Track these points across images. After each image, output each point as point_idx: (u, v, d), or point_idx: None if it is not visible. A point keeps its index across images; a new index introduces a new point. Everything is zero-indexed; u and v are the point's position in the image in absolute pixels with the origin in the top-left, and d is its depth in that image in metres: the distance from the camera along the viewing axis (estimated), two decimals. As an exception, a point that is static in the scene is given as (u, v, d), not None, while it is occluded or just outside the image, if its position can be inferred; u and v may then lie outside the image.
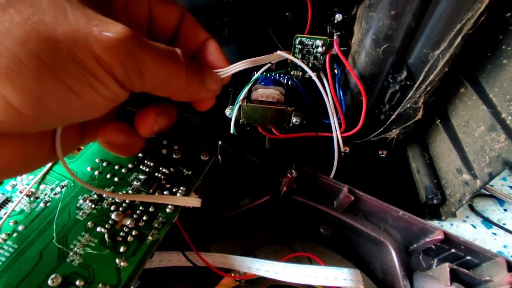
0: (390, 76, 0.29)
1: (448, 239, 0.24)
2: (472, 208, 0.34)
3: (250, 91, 0.32)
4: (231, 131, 0.32)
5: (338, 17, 0.28)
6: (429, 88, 0.28)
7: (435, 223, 0.33)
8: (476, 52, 0.28)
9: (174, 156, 0.23)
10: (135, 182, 0.21)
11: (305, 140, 0.35)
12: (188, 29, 0.17)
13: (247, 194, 0.26)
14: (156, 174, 0.22)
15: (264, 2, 0.28)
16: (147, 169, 0.22)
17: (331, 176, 0.32)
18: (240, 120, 0.33)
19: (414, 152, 0.37)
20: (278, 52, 0.24)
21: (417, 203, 0.34)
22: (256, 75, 0.31)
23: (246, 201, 0.26)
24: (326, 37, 0.27)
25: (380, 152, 0.37)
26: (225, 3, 0.24)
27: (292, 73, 0.31)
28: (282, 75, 0.33)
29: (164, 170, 0.22)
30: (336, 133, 0.31)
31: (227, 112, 0.33)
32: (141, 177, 0.22)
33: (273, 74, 0.33)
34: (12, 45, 0.10)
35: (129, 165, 0.22)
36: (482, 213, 0.34)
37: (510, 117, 0.25)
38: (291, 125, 0.33)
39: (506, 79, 0.26)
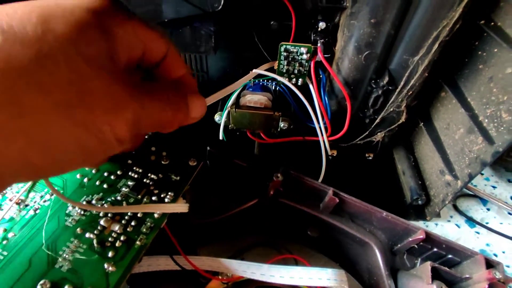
0: (373, 81, 0.29)
1: (430, 239, 0.25)
2: (456, 208, 0.35)
3: (238, 97, 0.33)
4: (220, 137, 0.33)
5: (322, 25, 0.29)
6: (411, 92, 0.29)
7: (420, 223, 0.34)
8: (454, 57, 0.30)
9: (162, 162, 0.24)
10: (124, 189, 0.22)
11: (294, 144, 0.36)
12: (171, 61, 0.17)
13: (235, 198, 0.27)
14: (144, 180, 0.23)
15: (249, 11, 0.29)
16: (135, 176, 0.23)
17: (320, 179, 0.33)
18: (229, 126, 0.33)
19: (400, 155, 0.38)
20: (254, 70, 0.25)
21: (403, 204, 0.35)
22: (243, 79, 0.32)
23: (234, 205, 0.26)
24: (310, 45, 0.28)
25: (367, 155, 0.38)
26: (211, 13, 0.24)
27: (278, 79, 0.32)
28: (270, 81, 0.34)
29: (152, 176, 0.23)
30: (323, 138, 0.32)
31: (216, 117, 0.33)
32: (130, 183, 0.22)
33: (261, 80, 0.34)
34: None
35: (118, 172, 0.23)
36: (466, 213, 0.35)
37: (486, 120, 0.26)
38: (279, 130, 0.33)
39: (483, 83, 0.27)
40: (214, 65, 0.35)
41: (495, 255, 0.32)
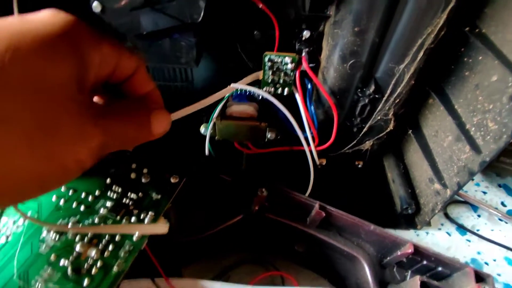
0: (359, 90, 0.29)
1: (419, 252, 0.24)
2: (447, 215, 0.35)
3: (224, 107, 0.32)
4: (206, 151, 0.32)
5: (306, 34, 0.28)
6: (398, 100, 0.29)
7: (411, 232, 0.33)
8: (441, 64, 0.29)
9: (143, 180, 0.23)
10: (102, 210, 0.21)
11: (283, 153, 0.35)
12: (139, 78, 0.17)
13: (220, 214, 0.26)
14: (124, 200, 0.22)
15: (231, 21, 0.28)
16: (114, 196, 0.22)
17: (309, 190, 0.32)
18: (216, 137, 0.33)
19: (390, 162, 0.37)
20: (232, 85, 0.25)
21: (393, 212, 0.35)
22: (219, 94, 0.31)
23: (219, 221, 0.26)
24: (294, 54, 0.28)
25: (356, 163, 0.37)
26: (191, 24, 0.24)
27: (264, 89, 0.31)
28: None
29: (132, 195, 0.22)
30: (310, 148, 0.31)
31: (202, 129, 0.32)
32: (109, 204, 0.21)
33: (246, 90, 0.33)
34: None
35: (96, 192, 0.22)
36: (457, 220, 0.35)
37: (473, 128, 0.26)
38: (266, 140, 0.33)
39: (469, 90, 0.27)
40: (198, 75, 0.34)
41: (486, 264, 0.31)
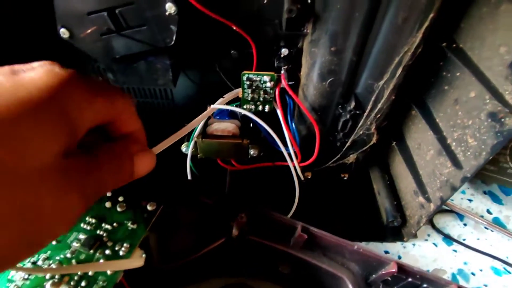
0: (340, 106, 0.29)
1: (403, 270, 0.24)
2: (433, 225, 0.35)
3: (205, 125, 0.32)
4: (188, 168, 0.32)
5: (284, 51, 0.28)
6: (379, 115, 0.29)
7: (397, 244, 0.33)
8: (422, 78, 0.29)
9: (118, 209, 0.22)
10: (74, 244, 0.20)
11: (268, 169, 0.35)
12: (126, 118, 0.16)
13: (202, 238, 0.25)
14: (98, 231, 0.21)
15: (207, 42, 0.27)
16: (88, 227, 0.21)
17: (294, 207, 0.32)
18: (198, 155, 0.32)
19: (375, 174, 0.37)
20: (212, 106, 0.25)
21: (380, 225, 0.34)
22: (200, 118, 0.30)
23: (201, 246, 0.25)
24: (273, 73, 0.27)
25: (342, 175, 0.37)
26: (164, 48, 0.23)
27: (245, 107, 0.31)
28: (238, 106, 0.33)
29: (106, 226, 0.21)
30: (293, 163, 0.31)
31: (183, 148, 0.32)
32: (82, 237, 0.21)
33: (228, 107, 0.33)
34: None
35: (69, 225, 0.21)
36: (443, 230, 0.35)
37: (454, 143, 0.26)
38: (249, 157, 0.32)
39: (449, 105, 0.27)
40: (179, 93, 0.34)
41: (473, 274, 0.31)
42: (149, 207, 0.23)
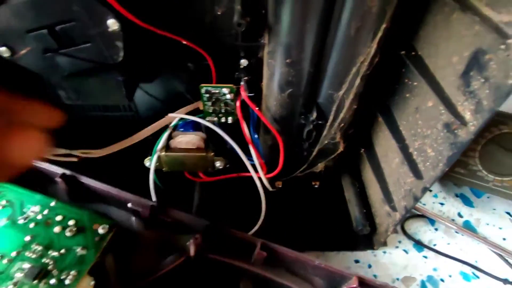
0: (303, 116, 0.28)
1: (365, 284, 0.24)
2: (404, 231, 0.35)
3: (169, 138, 0.31)
4: (151, 184, 0.31)
5: (244, 62, 0.27)
6: (342, 124, 0.28)
7: (368, 253, 0.33)
8: (385, 84, 0.29)
9: (67, 234, 0.22)
10: (18, 274, 0.19)
11: (237, 180, 0.34)
12: None
13: (161, 258, 0.25)
14: (43, 259, 0.20)
15: (160, 56, 0.27)
16: (33, 255, 0.20)
17: (261, 219, 0.31)
18: (163, 169, 0.32)
19: (346, 182, 0.37)
20: (170, 114, 0.24)
21: (351, 233, 0.34)
22: (153, 127, 0.30)
23: (161, 266, 0.24)
24: (231, 85, 0.27)
25: (313, 183, 0.37)
26: (114, 64, 0.22)
27: (207, 118, 0.30)
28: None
29: (53, 253, 0.21)
30: (258, 174, 0.30)
31: (147, 163, 0.31)
32: (26, 266, 0.20)
33: (188, 116, 0.32)
34: None
35: (12, 253, 0.20)
36: (415, 235, 0.34)
37: (415, 153, 0.26)
38: (215, 169, 0.32)
39: (410, 113, 0.26)
40: (142, 104, 0.33)
41: (442, 280, 0.31)
42: (100, 230, 0.22)
